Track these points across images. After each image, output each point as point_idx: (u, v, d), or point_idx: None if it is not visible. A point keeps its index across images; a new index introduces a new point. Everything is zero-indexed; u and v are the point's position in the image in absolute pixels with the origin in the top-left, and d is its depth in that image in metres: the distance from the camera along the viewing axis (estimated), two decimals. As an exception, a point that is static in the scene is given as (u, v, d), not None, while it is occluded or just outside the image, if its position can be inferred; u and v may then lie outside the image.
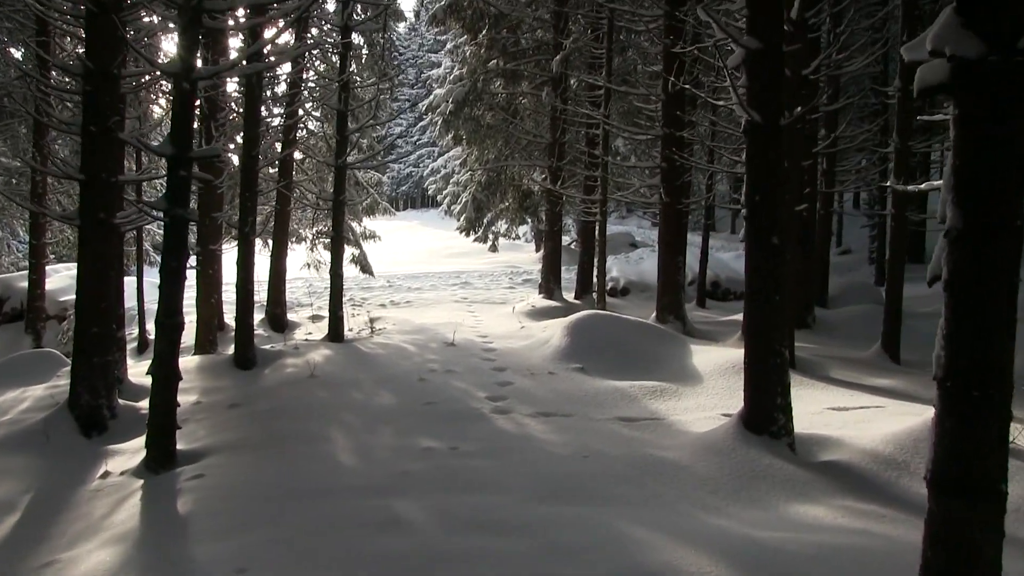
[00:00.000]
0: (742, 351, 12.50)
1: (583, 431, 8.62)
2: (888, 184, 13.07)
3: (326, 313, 16.96)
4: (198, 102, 19.15)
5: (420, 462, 7.47)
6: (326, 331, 16.06)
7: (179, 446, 9.06)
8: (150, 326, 24.79)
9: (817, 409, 9.58)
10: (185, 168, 8.23)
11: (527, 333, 15.71)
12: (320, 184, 23.76)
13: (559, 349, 12.93)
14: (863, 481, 6.93)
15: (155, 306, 25.36)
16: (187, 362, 14.82)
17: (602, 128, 19.15)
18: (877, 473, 7.06)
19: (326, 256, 25.43)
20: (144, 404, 11.70)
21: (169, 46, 16.71)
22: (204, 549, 5.81)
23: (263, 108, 21.56)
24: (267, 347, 15.60)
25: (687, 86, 12.79)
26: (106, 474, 8.50)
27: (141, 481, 7.85)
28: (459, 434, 8.49)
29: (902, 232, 12.99)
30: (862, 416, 9.26)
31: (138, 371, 14.20)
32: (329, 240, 26.16)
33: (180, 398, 12.26)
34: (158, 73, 11.85)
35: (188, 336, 21.11)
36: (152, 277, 33.84)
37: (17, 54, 23.72)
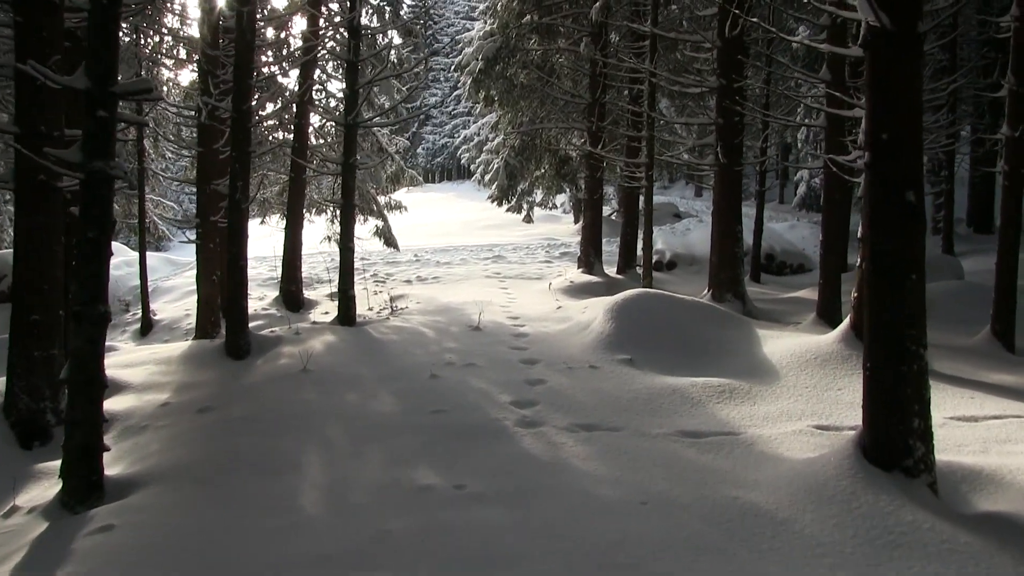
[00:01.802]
0: (822, 338, 10.42)
1: (637, 456, 6.48)
2: (1000, 134, 10.71)
3: (347, 290, 14.97)
4: (195, 57, 17.41)
5: (409, 515, 5.36)
6: (342, 312, 14.05)
7: (119, 468, 7.11)
8: (156, 305, 23.20)
9: (938, 419, 7.34)
10: (107, 108, 6.17)
11: (564, 314, 13.57)
12: (341, 150, 21.74)
13: (602, 336, 10.79)
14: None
15: (165, 283, 23.60)
16: (174, 349, 12.94)
17: (647, 82, 16.87)
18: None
19: (350, 229, 23.48)
20: (112, 404, 9.86)
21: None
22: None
23: (274, 67, 19.63)
24: (266, 332, 13.65)
25: (754, 19, 10.50)
26: (12, 510, 6.53)
27: (44, 526, 5.86)
28: (470, 462, 6.39)
29: (1016, 191, 10.63)
30: (1001, 431, 7.07)
31: (118, 361, 12.32)
32: (359, 211, 24.47)
33: (151, 396, 10.43)
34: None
35: (191, 318, 19.38)
36: (154, 252, 32.34)
37: None
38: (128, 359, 12.64)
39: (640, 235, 23.34)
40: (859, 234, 10.06)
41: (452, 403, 8.15)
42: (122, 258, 27.47)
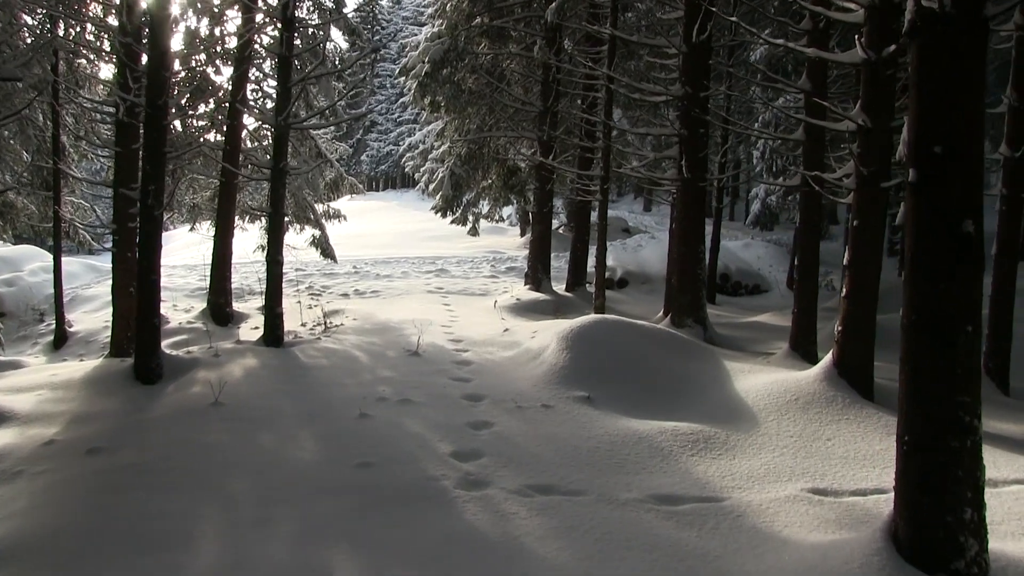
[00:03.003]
0: (800, 375, 9.32)
1: (605, 534, 5.28)
2: (998, 154, 9.76)
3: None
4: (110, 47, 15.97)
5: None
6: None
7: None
8: (73, 315, 21.55)
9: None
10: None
11: (511, 338, 12.41)
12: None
13: (555, 368, 9.63)
14: None
15: (85, 291, 21.95)
16: (76, 370, 11.52)
17: (604, 89, 15.79)
18: None
19: (288, 238, 22.06)
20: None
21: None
22: None
23: (206, 64, 18.23)
24: (181, 353, 12.28)
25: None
26: None
27: None
28: (398, 542, 5.13)
29: (1015, 216, 9.68)
30: (1031, 500, 6.03)
31: (9, 384, 10.90)
32: (294, 220, 23.04)
33: (36, 430, 8.96)
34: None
35: (105, 332, 17.84)
36: (79, 257, 30.57)
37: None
38: (20, 382, 11.20)
39: (591, 251, 22.39)
40: (844, 260, 9.08)
41: (382, 453, 6.89)
42: (39, 263, 25.70)
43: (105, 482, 6.69)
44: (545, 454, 6.96)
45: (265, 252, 21.38)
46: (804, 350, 10.78)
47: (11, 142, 19.46)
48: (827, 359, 8.94)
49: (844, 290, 8.88)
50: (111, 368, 11.30)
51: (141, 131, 11.84)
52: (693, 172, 13.20)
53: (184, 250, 38.94)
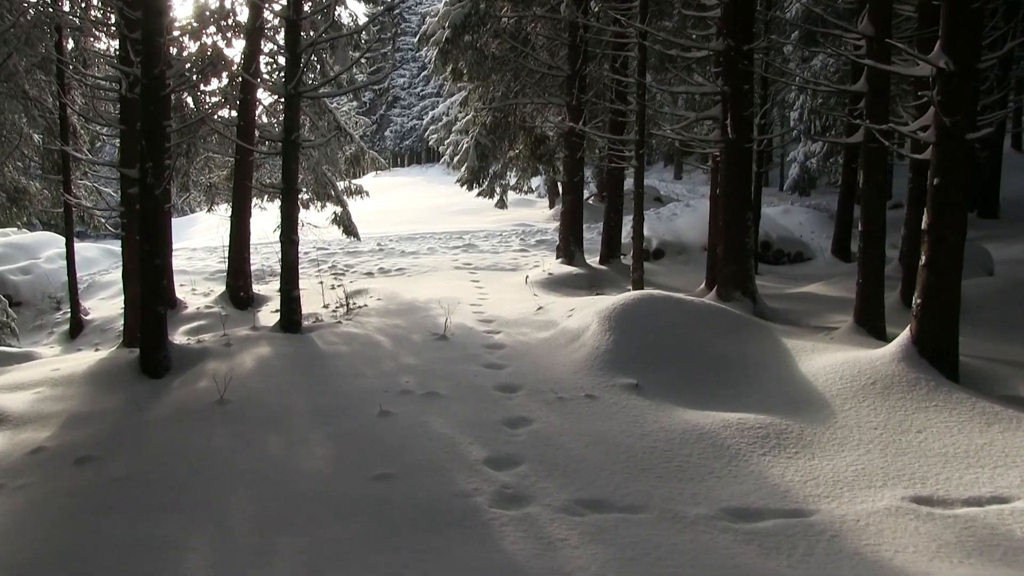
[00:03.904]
0: (874, 354, 8.28)
1: (675, 569, 4.32)
2: None
3: (300, 284, 12.72)
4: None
5: None
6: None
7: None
8: (90, 303, 20.82)
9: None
10: None
11: (546, 317, 11.44)
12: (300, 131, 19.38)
13: (598, 352, 8.65)
14: None
15: (103, 277, 21.25)
16: (81, 363, 10.71)
17: (638, 47, 14.70)
18: None
19: (309, 216, 21.21)
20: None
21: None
22: None
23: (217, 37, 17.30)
24: (191, 342, 11.49)
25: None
26: None
27: None
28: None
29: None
30: None
31: (8, 380, 10.11)
32: (314, 197, 22.16)
33: (27, 435, 8.06)
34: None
35: (122, 319, 17.03)
36: (98, 242, 29.89)
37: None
38: (21, 377, 10.39)
39: (625, 221, 21.34)
40: (923, 224, 8.01)
41: (404, 461, 5.96)
42: (56, 250, 24.91)
43: (89, 501, 5.83)
44: (593, 458, 6.00)
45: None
46: (871, 325, 9.73)
47: (21, 124, 18.67)
48: (904, 336, 7.91)
49: (923, 258, 7.82)
50: (117, 361, 10.52)
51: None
52: (738, 133, 12.12)
53: (207, 233, 38.26)
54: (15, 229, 25.68)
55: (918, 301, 7.86)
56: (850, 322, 10.00)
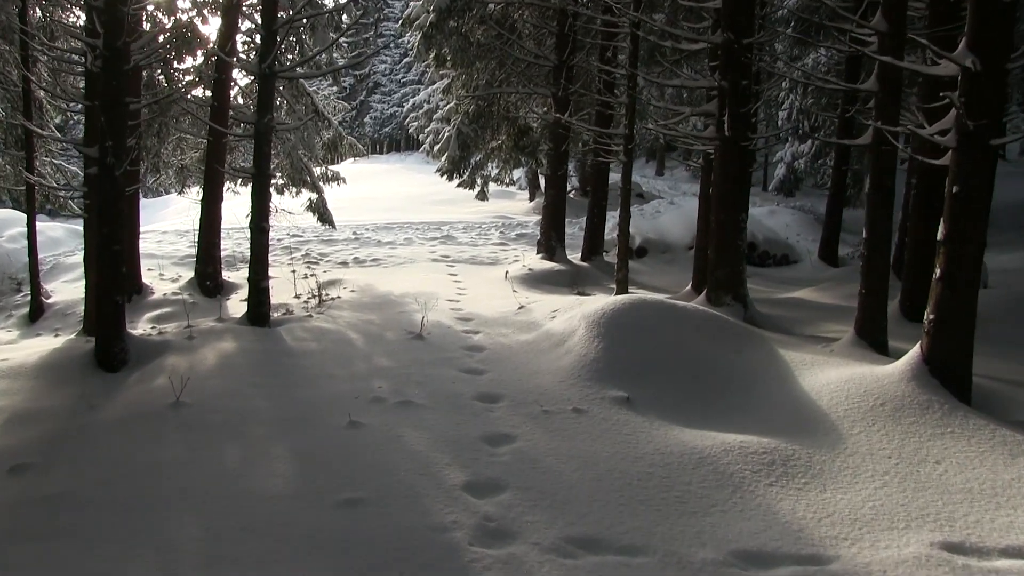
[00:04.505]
0: (882, 372, 7.67)
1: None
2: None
3: (271, 272, 12.06)
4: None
5: None
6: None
7: None
8: (53, 285, 20.01)
9: None
10: None
11: (528, 317, 10.85)
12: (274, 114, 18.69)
13: (586, 360, 8.07)
14: None
15: (68, 259, 20.44)
16: (32, 354, 10.02)
17: (630, 37, 14.10)
18: None
19: (283, 202, 20.50)
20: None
21: None
22: None
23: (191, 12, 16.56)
24: (152, 333, 10.84)
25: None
26: None
27: None
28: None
29: None
30: None
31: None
32: (289, 183, 21.44)
33: (-37, 435, 7.57)
34: None
35: (81, 304, 16.29)
36: (62, 222, 28.99)
37: None
38: (-35, 368, 9.67)
39: (609, 217, 20.79)
40: (939, 235, 7.49)
41: (374, 483, 5.34)
42: (18, 229, 24.00)
43: (17, 521, 5.18)
44: (584, 484, 5.41)
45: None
46: (873, 338, 9.19)
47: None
48: (914, 353, 7.37)
49: (938, 270, 7.29)
50: (72, 351, 9.87)
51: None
52: (735, 130, 11.56)
53: (180, 216, 37.36)
54: (-24, 207, 24.79)
55: (931, 317, 7.32)
56: (851, 334, 9.45)
